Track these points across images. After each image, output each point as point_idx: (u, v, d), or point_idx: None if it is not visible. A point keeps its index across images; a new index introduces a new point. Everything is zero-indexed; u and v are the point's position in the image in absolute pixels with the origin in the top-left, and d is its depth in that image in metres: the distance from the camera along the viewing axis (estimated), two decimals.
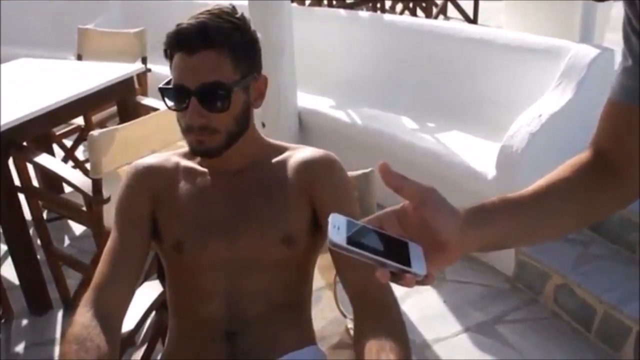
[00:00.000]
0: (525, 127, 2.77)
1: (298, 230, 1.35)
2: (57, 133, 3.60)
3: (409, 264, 0.71)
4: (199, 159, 1.40)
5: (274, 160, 1.39)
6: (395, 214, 0.75)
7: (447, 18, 6.63)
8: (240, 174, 1.37)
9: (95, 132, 2.02)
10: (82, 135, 3.70)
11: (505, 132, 2.83)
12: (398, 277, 0.71)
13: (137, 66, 3.32)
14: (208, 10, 1.26)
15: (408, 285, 0.71)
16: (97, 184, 2.16)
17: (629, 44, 0.89)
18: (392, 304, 1.25)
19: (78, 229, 3.46)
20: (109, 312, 1.26)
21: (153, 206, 1.37)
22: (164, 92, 1.27)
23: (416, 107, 3.63)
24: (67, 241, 3.41)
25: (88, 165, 3.66)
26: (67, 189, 2.90)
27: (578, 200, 0.90)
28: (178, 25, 1.26)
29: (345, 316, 1.67)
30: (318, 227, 1.37)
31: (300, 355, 1.41)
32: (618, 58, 3.01)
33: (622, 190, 0.93)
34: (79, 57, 3.93)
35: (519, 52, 3.38)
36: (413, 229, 0.75)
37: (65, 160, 3.72)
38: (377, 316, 1.22)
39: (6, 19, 6.00)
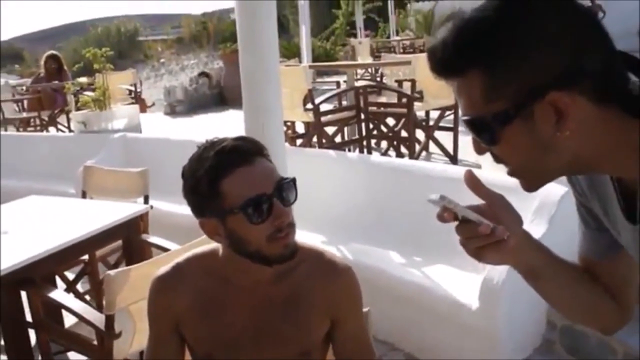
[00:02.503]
0: None
1: (316, 344, 1.54)
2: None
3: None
4: (219, 265, 1.50)
5: (293, 269, 1.51)
6: (476, 210, 1.02)
7: (429, 153, 6.95)
8: (260, 286, 1.49)
9: (112, 272, 2.21)
10: (84, 269, 3.83)
11: (486, 265, 3.01)
12: (494, 231, 0.97)
13: (142, 206, 3.52)
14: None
15: (502, 234, 0.97)
16: (110, 320, 2.31)
17: (581, 215, 1.18)
18: None
19: None
20: None
21: (176, 322, 1.51)
22: (244, 210, 1.36)
23: (405, 242, 3.81)
24: None
25: (87, 297, 3.80)
26: (69, 320, 2.99)
27: (587, 293, 1.16)
28: (218, 150, 1.37)
29: None
30: (328, 338, 1.56)
31: None
32: None
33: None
34: (84, 194, 4.12)
35: (496, 190, 3.61)
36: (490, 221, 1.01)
37: (66, 291, 3.82)
38: None
39: (7, 152, 6.23)
